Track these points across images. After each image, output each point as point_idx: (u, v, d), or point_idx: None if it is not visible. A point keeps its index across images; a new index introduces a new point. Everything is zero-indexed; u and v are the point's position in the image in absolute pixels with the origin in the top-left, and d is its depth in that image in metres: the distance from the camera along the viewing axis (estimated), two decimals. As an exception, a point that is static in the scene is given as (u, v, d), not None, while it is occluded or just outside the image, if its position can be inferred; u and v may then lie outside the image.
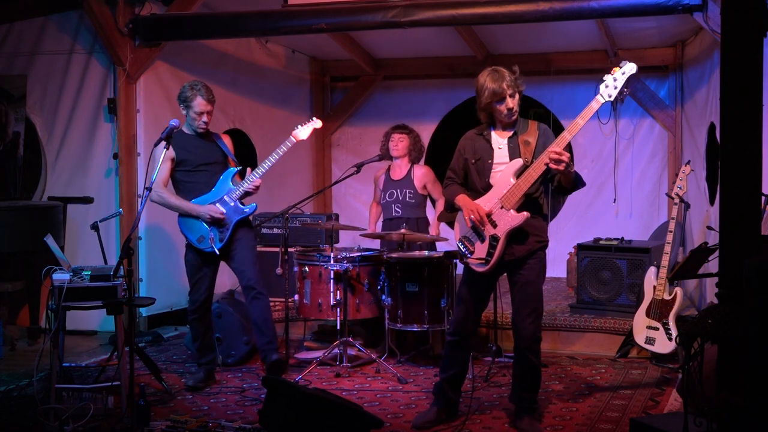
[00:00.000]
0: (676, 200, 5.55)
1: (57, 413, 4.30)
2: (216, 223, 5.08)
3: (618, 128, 7.98)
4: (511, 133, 4.26)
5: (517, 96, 4.20)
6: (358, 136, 8.97)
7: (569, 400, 4.85)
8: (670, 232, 5.52)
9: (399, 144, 6.17)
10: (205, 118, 5.08)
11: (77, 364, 5.50)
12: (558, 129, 8.08)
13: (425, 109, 8.63)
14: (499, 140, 4.27)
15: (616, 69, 4.06)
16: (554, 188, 4.24)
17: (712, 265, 4.39)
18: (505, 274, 4.37)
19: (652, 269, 5.61)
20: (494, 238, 4.17)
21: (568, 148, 4.07)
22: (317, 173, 8.93)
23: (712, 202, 6.12)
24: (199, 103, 5.02)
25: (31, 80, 6.84)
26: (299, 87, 8.73)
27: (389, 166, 6.36)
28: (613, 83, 4.03)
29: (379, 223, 6.53)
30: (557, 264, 7.83)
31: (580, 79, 8.05)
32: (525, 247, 4.21)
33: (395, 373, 5.35)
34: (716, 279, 3.40)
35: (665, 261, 5.49)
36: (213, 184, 5.14)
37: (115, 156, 6.60)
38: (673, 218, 5.56)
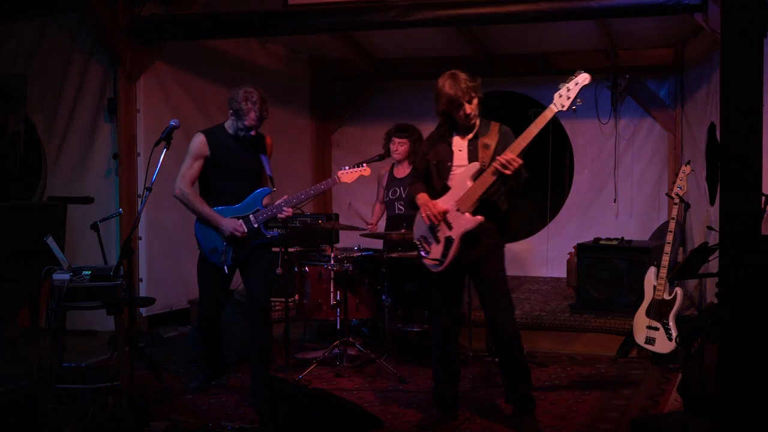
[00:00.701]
0: (676, 200, 5.55)
1: (57, 413, 4.30)
2: (234, 241, 4.77)
3: (618, 128, 7.99)
4: (471, 136, 4.30)
5: (475, 101, 4.21)
6: (358, 136, 8.97)
7: (569, 400, 4.84)
8: (670, 232, 5.53)
9: (399, 148, 6.15)
10: (252, 132, 4.76)
11: (77, 364, 5.50)
12: (558, 129, 8.10)
13: (425, 109, 8.53)
14: (459, 143, 4.32)
15: (571, 78, 4.09)
16: (506, 191, 4.30)
17: (712, 265, 4.39)
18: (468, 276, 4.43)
19: (652, 269, 5.61)
20: (449, 240, 4.22)
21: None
22: (317, 173, 8.93)
23: (712, 202, 6.12)
24: (251, 118, 4.67)
25: (31, 80, 6.84)
26: (299, 87, 8.73)
27: (393, 164, 6.35)
28: (566, 93, 4.07)
29: (382, 223, 6.52)
30: (557, 264, 7.84)
31: (580, 79, 8.04)
32: (480, 249, 4.25)
33: (395, 373, 5.35)
34: (716, 279, 3.40)
35: (665, 261, 5.49)
36: (241, 194, 4.80)
37: (115, 156, 6.60)
38: (673, 218, 5.56)
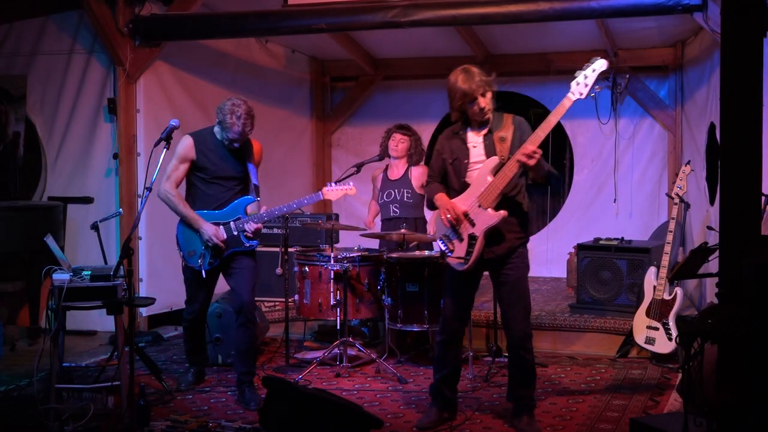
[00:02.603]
0: (676, 200, 5.55)
1: (57, 413, 4.30)
2: (212, 246, 4.85)
3: (618, 128, 7.98)
4: (486, 131, 4.26)
5: (488, 95, 4.18)
6: (358, 136, 8.97)
7: (569, 400, 4.85)
8: (670, 232, 5.52)
9: (399, 145, 6.16)
10: (236, 144, 4.85)
11: (77, 364, 5.50)
12: (558, 129, 8.09)
13: (425, 109, 8.63)
14: (474, 139, 4.28)
15: (588, 65, 4.03)
16: (529, 183, 4.27)
17: (712, 265, 4.39)
18: (488, 273, 4.39)
19: (652, 269, 5.61)
20: (472, 237, 4.16)
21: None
22: (317, 173, 8.93)
23: (712, 202, 6.12)
24: (234, 132, 4.75)
25: (31, 80, 6.84)
26: (299, 87, 8.73)
27: (387, 165, 6.35)
28: (584, 81, 4.01)
29: (377, 223, 6.52)
30: (557, 264, 7.83)
31: (580, 79, 8.04)
32: (505, 244, 4.22)
33: (395, 373, 5.35)
34: (716, 279, 3.40)
35: (665, 261, 5.49)
36: (224, 200, 4.89)
37: (115, 156, 6.60)
38: (673, 218, 5.56)
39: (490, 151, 4.21)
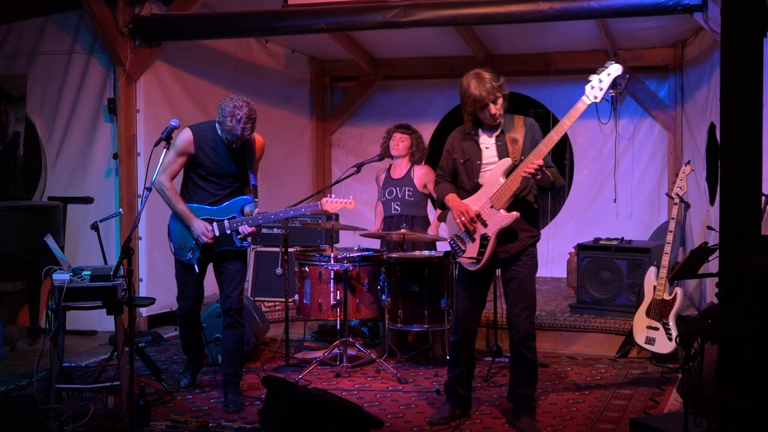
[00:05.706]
0: (676, 200, 5.55)
1: (57, 413, 4.30)
2: (201, 242, 4.79)
3: (618, 128, 7.98)
4: (498, 132, 4.29)
5: (500, 101, 4.21)
6: (358, 136, 8.97)
7: (569, 400, 4.85)
8: (670, 232, 5.52)
9: (400, 144, 6.16)
10: (235, 145, 4.76)
11: (77, 364, 5.50)
12: (558, 129, 8.10)
13: (425, 109, 8.63)
14: (486, 140, 4.31)
15: (602, 69, 4.05)
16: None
17: (712, 265, 4.39)
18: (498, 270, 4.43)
19: (652, 269, 5.61)
20: (485, 238, 4.20)
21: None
22: (317, 173, 8.93)
23: (712, 202, 6.12)
24: (233, 135, 4.65)
25: (31, 80, 6.84)
26: (299, 87, 8.73)
27: (390, 165, 6.35)
28: (599, 84, 4.02)
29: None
30: (557, 264, 7.84)
31: (580, 79, 7.88)
32: (518, 243, 4.25)
33: (395, 373, 5.35)
34: (716, 279, 3.40)
35: (665, 261, 5.49)
36: (219, 197, 4.83)
37: (115, 156, 6.60)
38: (673, 218, 5.56)
39: (502, 153, 4.24)
